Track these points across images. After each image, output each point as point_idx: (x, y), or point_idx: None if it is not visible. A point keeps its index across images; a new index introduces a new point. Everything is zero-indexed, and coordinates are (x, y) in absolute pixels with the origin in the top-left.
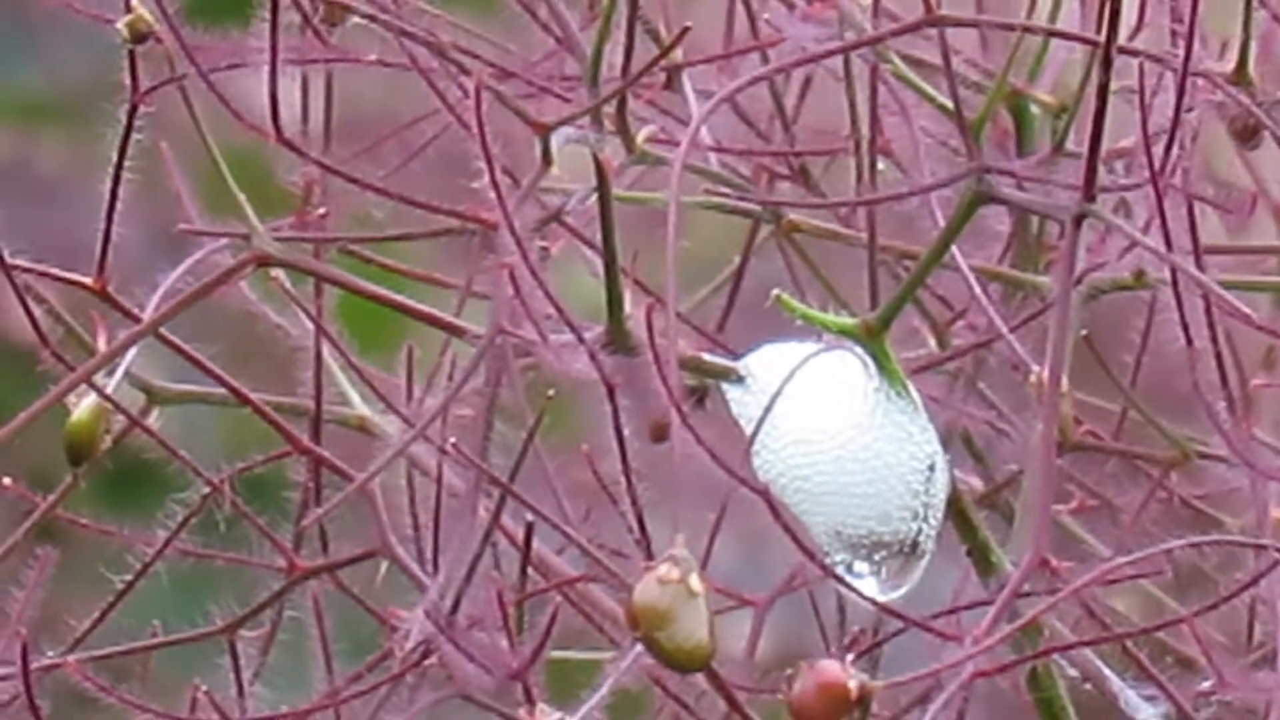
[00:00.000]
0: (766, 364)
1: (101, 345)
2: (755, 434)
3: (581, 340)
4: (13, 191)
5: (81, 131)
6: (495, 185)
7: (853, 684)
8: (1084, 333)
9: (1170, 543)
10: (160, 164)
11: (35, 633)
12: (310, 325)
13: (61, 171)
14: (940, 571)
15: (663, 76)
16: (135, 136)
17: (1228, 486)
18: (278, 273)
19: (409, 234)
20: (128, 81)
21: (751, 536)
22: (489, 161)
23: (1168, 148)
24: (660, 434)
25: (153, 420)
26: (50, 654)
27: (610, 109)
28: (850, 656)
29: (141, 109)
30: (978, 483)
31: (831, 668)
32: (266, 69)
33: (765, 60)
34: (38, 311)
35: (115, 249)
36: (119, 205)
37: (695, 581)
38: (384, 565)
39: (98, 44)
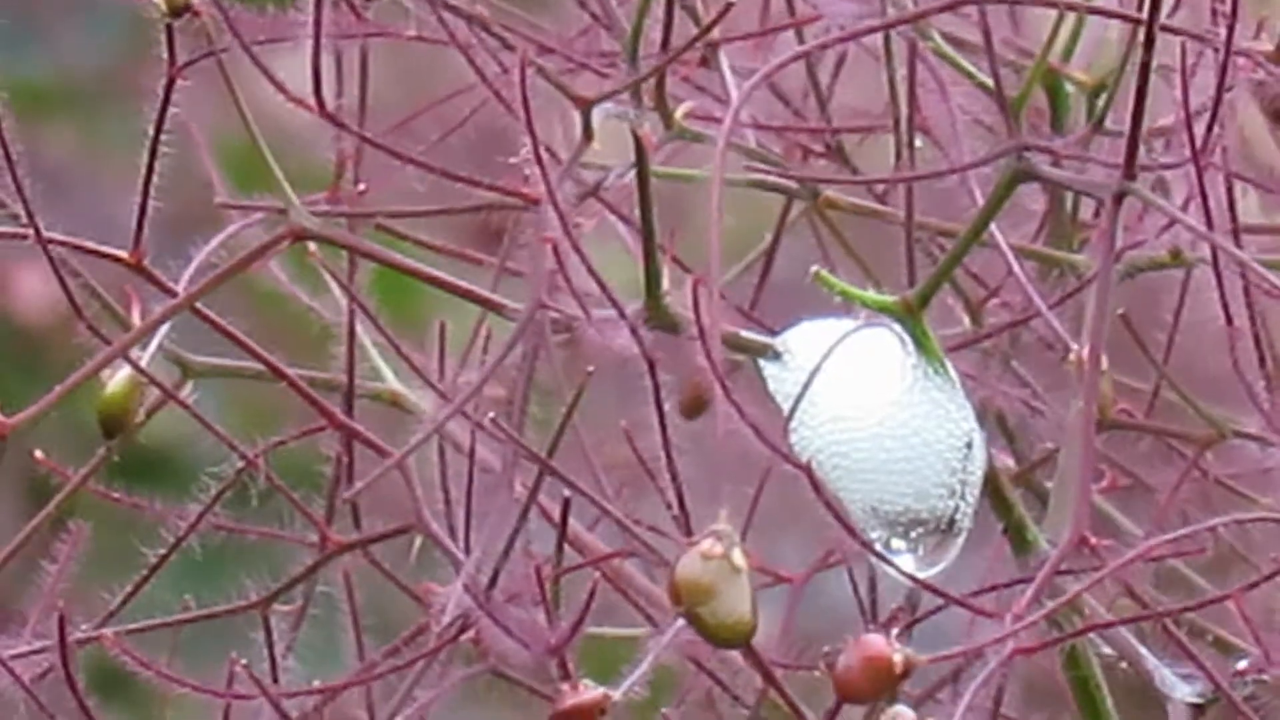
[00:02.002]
0: (804, 341)
1: (135, 320)
2: (793, 411)
3: (623, 315)
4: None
5: (90, 121)
6: (538, 158)
7: (898, 658)
8: (1120, 311)
9: (1209, 522)
10: (183, 150)
11: (67, 608)
12: (344, 301)
13: (69, 161)
14: (973, 551)
15: (699, 54)
16: (147, 128)
17: (1262, 466)
18: (313, 247)
19: (448, 209)
20: (165, 56)
21: (769, 523)
22: (532, 134)
23: (1209, 126)
24: (693, 410)
25: (185, 395)
26: (85, 628)
27: (649, 85)
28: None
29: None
30: (1010, 463)
31: (876, 641)
32: (297, 47)
33: (802, 38)
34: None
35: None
36: (136, 186)
37: (738, 556)
38: (418, 541)
39: (106, 32)
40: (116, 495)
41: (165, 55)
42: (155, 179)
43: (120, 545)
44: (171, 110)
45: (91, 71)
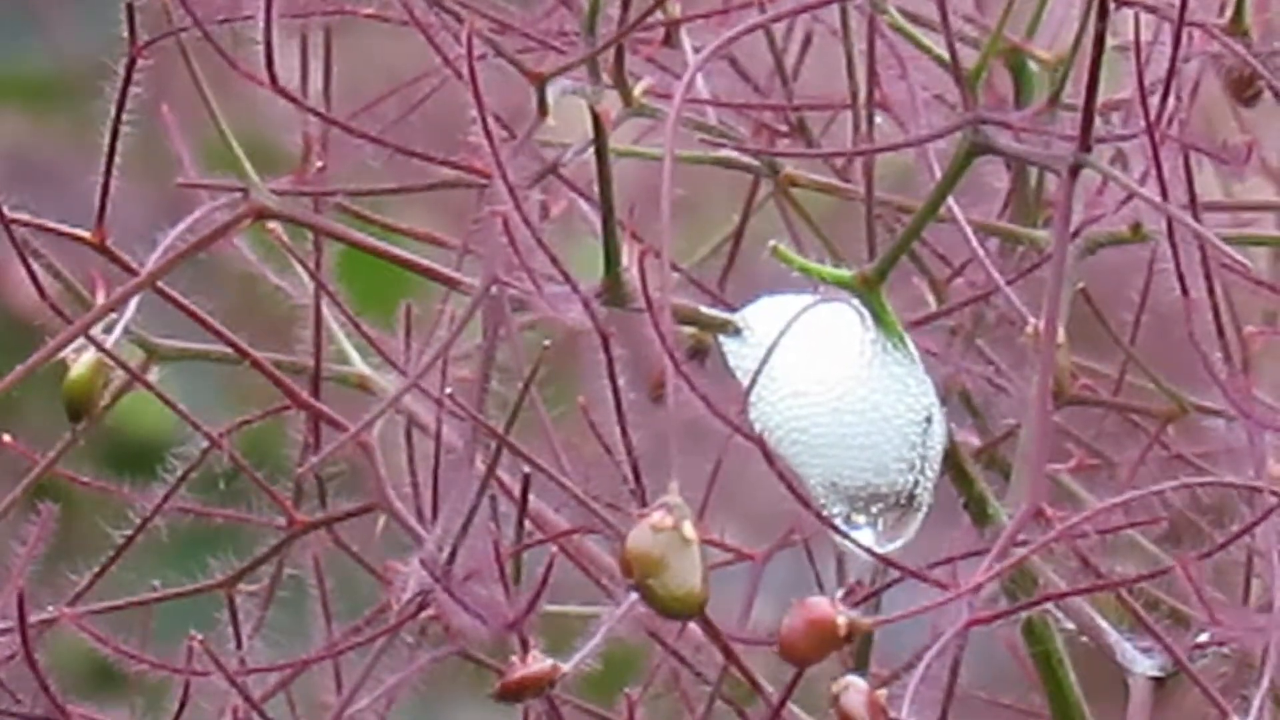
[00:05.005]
0: (764, 316)
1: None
2: (752, 386)
3: (575, 288)
4: (17, 175)
5: (87, 114)
6: (487, 131)
7: (841, 620)
8: (1080, 285)
9: (1167, 492)
10: (159, 137)
11: (36, 593)
12: (309, 282)
13: (67, 155)
14: (937, 530)
15: (661, 33)
16: (130, 114)
17: (1225, 445)
18: (276, 228)
19: (407, 187)
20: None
21: (741, 521)
22: (481, 108)
23: (1163, 99)
24: (660, 393)
25: (151, 378)
26: (50, 608)
27: (608, 63)
28: (841, 593)
29: (140, 81)
30: (975, 440)
31: (820, 604)
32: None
33: (764, 14)
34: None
35: (115, 218)
36: (118, 172)
37: (688, 529)
38: (382, 520)
39: (103, 25)
40: (85, 480)
41: (126, 35)
42: (135, 170)
43: (105, 535)
44: (166, 97)
45: (90, 64)
